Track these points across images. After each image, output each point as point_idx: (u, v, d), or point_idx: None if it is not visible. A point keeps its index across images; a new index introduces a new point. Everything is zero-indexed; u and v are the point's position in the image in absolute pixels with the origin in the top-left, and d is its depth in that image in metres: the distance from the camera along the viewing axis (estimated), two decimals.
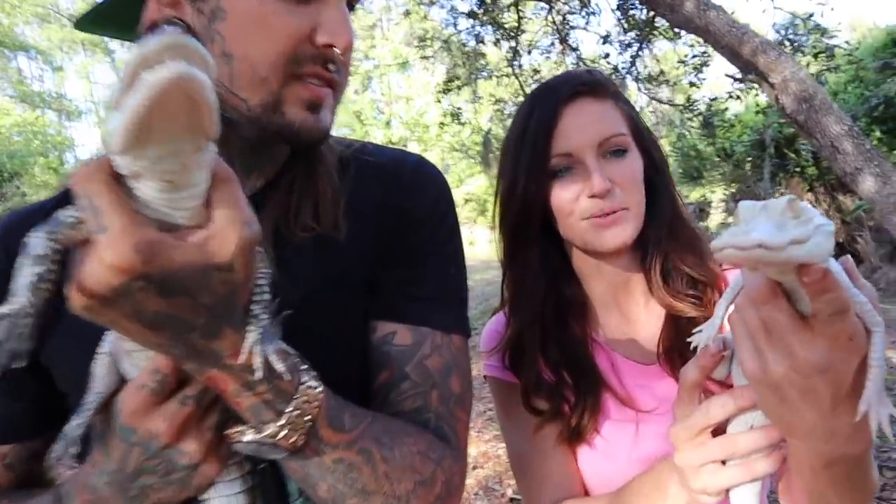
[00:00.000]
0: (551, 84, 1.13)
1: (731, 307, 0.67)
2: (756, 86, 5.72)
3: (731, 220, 12.50)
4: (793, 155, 10.27)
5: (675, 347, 1.08)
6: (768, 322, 0.58)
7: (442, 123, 11.86)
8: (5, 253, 0.77)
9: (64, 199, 0.79)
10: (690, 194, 13.39)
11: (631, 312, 1.17)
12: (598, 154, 1.06)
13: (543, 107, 1.09)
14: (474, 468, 4.34)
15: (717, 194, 13.19)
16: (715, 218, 13.15)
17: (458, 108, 11.35)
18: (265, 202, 0.80)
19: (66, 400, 0.78)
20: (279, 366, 0.61)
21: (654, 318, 1.14)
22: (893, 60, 9.50)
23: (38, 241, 0.53)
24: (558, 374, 1.11)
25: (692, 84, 9.08)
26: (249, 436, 0.64)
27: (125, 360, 0.66)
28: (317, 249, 0.81)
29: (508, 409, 1.17)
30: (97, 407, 0.67)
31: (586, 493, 1.11)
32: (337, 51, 0.75)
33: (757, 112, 10.44)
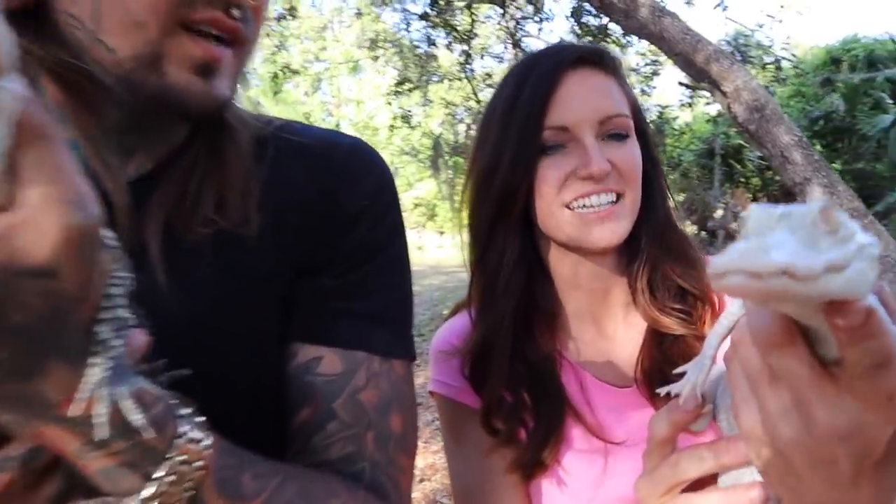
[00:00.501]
0: (549, 51, 0.98)
1: (727, 341, 0.51)
2: (706, 95, 5.74)
3: None
4: (738, 165, 10.46)
5: (657, 369, 0.93)
6: (779, 372, 0.42)
7: (392, 126, 11.70)
8: None
9: None
10: None
11: (608, 327, 1.02)
12: (598, 133, 0.91)
13: (541, 72, 0.93)
14: (421, 481, 4.18)
15: None
16: None
17: (409, 111, 11.20)
18: (154, 188, 0.64)
19: None
20: (135, 416, 0.43)
21: (634, 334, 0.99)
22: (833, 76, 9.79)
23: None
24: (517, 393, 0.95)
25: (643, 92, 9.16)
26: None
27: None
28: (220, 250, 0.64)
29: (457, 433, 1.01)
30: None
31: None
32: None
33: (707, 121, 10.64)
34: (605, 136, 0.92)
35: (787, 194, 9.87)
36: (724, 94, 4.73)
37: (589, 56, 0.95)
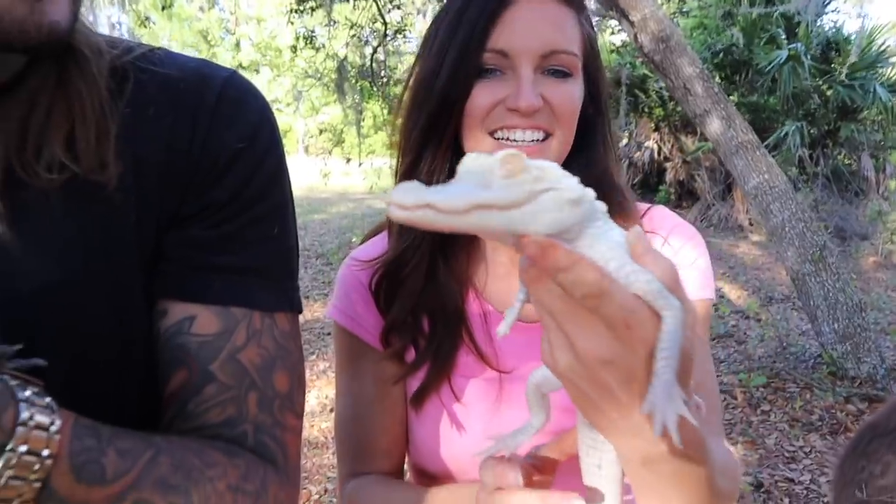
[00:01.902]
0: None
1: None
2: (613, 25, 5.72)
3: None
4: (643, 95, 10.65)
5: None
6: (542, 305, 0.47)
7: (294, 47, 11.12)
8: None
9: None
10: None
11: None
12: (538, 66, 0.87)
13: None
14: (331, 410, 4.16)
15: None
16: None
17: (312, 32, 10.66)
18: None
19: None
20: None
21: None
22: (734, 10, 10.01)
23: None
24: (418, 315, 0.94)
25: None
26: None
27: None
28: (73, 199, 0.58)
29: (348, 363, 1.01)
30: None
31: (424, 475, 0.99)
32: None
33: (611, 51, 10.69)
34: (546, 70, 0.87)
35: (686, 125, 10.21)
36: (631, 23, 4.72)
37: None
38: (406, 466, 1.05)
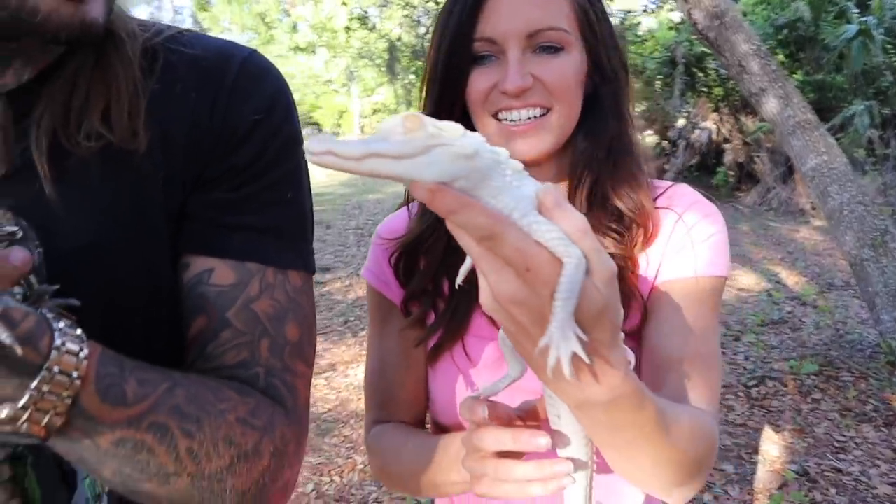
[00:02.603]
0: None
1: None
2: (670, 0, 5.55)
3: (638, 137, 12.63)
4: (701, 74, 10.34)
5: None
6: (466, 250, 0.52)
7: (348, 28, 11.19)
8: None
9: None
10: None
11: None
12: (526, 47, 0.91)
13: None
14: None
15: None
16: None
17: (365, 13, 10.70)
18: (37, 100, 0.64)
19: None
20: (2, 335, 0.47)
21: None
22: None
23: None
24: (437, 282, 1.02)
25: None
26: None
27: None
28: (108, 164, 0.65)
29: (377, 321, 1.11)
30: None
31: (440, 428, 1.07)
32: None
33: (669, 28, 10.39)
34: (537, 48, 0.91)
35: (746, 105, 9.86)
36: None
37: None
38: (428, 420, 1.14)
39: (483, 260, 0.51)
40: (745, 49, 4.51)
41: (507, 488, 0.73)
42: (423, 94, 1.01)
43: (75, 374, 0.52)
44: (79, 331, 0.54)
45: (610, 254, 0.94)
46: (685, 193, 1.01)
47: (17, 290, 0.54)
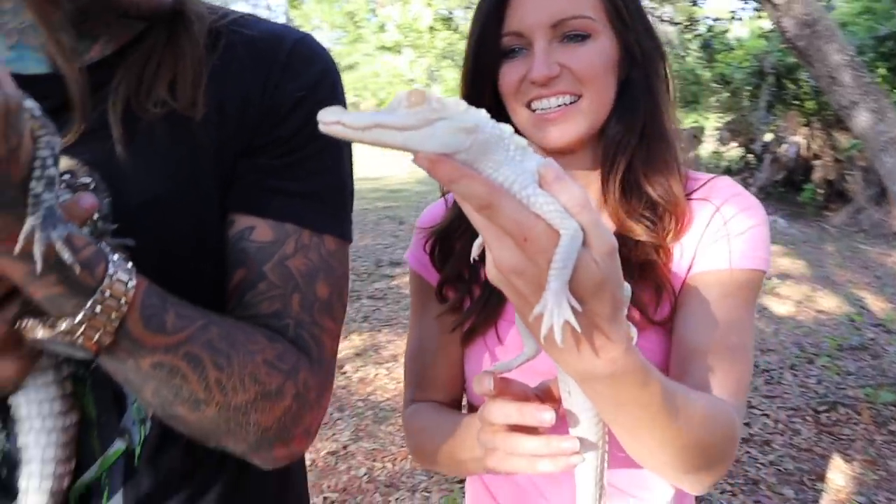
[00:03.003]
0: None
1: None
2: (760, 7, 5.37)
3: (722, 149, 12.26)
4: (793, 86, 9.91)
5: None
6: (472, 221, 0.55)
7: (432, 28, 11.32)
8: None
9: None
10: (684, 120, 13.00)
11: None
12: (553, 37, 0.93)
13: None
14: None
15: (711, 122, 12.83)
16: (707, 146, 12.86)
17: (450, 13, 10.79)
18: (115, 71, 0.72)
19: None
20: (66, 255, 0.53)
21: None
22: None
23: None
24: (473, 268, 1.05)
25: (694, 2, 8.59)
26: (40, 332, 0.58)
27: None
28: (171, 129, 0.73)
29: (418, 303, 1.16)
30: None
31: (474, 409, 1.08)
32: None
33: (759, 37, 10.01)
34: (564, 37, 0.93)
35: (840, 121, 9.39)
36: (774, 6, 4.41)
37: None
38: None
39: (486, 230, 0.53)
40: (836, 60, 4.32)
41: (517, 462, 0.74)
42: (461, 87, 1.05)
43: (123, 300, 0.59)
44: (130, 264, 0.61)
45: (641, 241, 0.96)
46: (725, 185, 1.00)
47: (85, 229, 0.61)
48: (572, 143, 0.96)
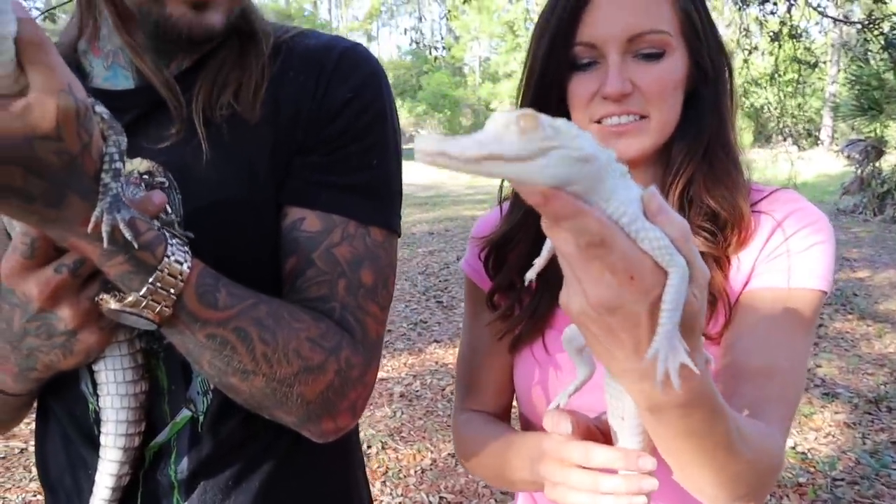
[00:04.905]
0: None
1: None
2: None
3: None
4: None
5: None
6: (559, 251, 0.51)
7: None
8: None
9: None
10: (863, 130, 11.86)
11: None
12: (627, 51, 0.91)
13: None
14: None
15: (892, 130, 11.60)
16: (890, 159, 11.65)
17: None
18: (195, 81, 0.81)
19: None
20: (128, 234, 0.61)
21: None
22: None
23: None
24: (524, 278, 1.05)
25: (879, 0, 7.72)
26: (112, 304, 0.66)
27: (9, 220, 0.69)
28: (232, 129, 0.81)
29: (471, 310, 1.16)
30: None
31: (525, 422, 1.10)
32: None
33: None
34: (638, 53, 0.91)
35: None
36: None
37: None
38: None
39: (581, 264, 0.50)
40: None
41: (581, 498, 0.72)
42: (520, 96, 1.03)
43: (180, 277, 0.66)
44: (186, 248, 0.69)
45: (700, 253, 0.91)
46: (788, 199, 0.97)
47: (155, 222, 0.68)
48: (636, 159, 0.94)
